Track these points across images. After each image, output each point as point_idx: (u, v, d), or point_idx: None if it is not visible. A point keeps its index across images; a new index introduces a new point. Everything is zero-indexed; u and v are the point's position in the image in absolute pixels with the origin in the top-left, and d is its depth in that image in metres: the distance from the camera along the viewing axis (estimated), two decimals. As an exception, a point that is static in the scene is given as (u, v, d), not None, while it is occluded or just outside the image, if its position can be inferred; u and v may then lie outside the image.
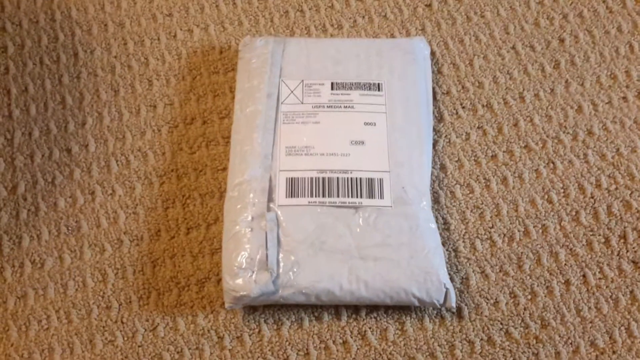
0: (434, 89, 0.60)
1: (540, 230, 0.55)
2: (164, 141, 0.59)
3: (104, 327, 0.52)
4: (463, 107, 0.60)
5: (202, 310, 0.53)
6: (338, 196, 0.53)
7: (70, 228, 0.56)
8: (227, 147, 0.58)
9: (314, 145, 0.55)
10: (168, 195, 0.57)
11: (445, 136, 0.58)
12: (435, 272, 0.50)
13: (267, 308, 0.53)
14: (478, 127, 0.59)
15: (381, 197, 0.53)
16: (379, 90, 0.58)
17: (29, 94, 0.61)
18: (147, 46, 0.63)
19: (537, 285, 0.53)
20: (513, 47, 0.62)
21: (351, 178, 0.53)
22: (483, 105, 0.60)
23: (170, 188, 0.57)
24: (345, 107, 0.57)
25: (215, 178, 0.57)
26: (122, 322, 0.52)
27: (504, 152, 0.58)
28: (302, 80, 0.58)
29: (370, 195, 0.53)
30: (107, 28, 0.64)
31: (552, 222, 0.55)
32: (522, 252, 0.54)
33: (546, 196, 0.56)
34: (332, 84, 0.58)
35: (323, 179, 0.53)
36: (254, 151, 0.55)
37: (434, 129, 0.58)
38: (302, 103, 0.57)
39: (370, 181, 0.53)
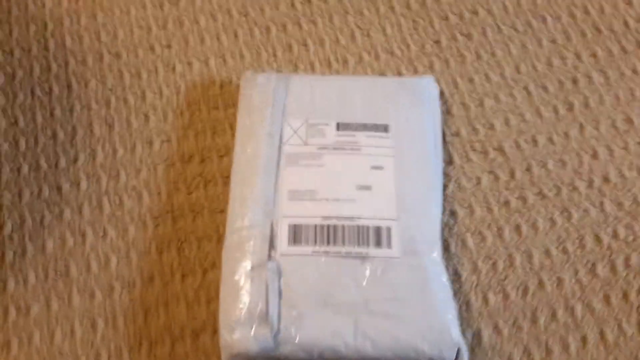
0: (443, 130, 0.58)
1: (555, 283, 0.52)
2: (160, 180, 0.56)
3: (91, 380, 0.49)
4: (473, 150, 0.57)
5: (197, 364, 0.50)
6: (344, 245, 0.50)
7: (58, 272, 0.53)
8: (226, 188, 0.55)
9: (318, 189, 0.52)
10: (163, 239, 0.54)
11: (455, 180, 0.56)
12: (448, 330, 0.47)
13: (266, 363, 0.50)
14: (489, 172, 0.56)
15: (389, 246, 0.50)
16: (385, 131, 0.55)
17: (19, 127, 0.58)
18: (144, 79, 0.61)
19: (552, 342, 0.50)
20: (525, 88, 0.60)
21: (358, 226, 0.51)
22: (494, 149, 0.57)
23: (165, 231, 0.54)
24: (351, 149, 0.54)
25: (213, 220, 0.55)
26: (111, 376, 0.49)
27: (516, 198, 0.55)
28: (307, 120, 0.55)
29: (378, 244, 0.50)
30: (103, 59, 0.62)
31: (567, 274, 0.52)
32: (536, 306, 0.51)
33: (561, 247, 0.53)
34: (337, 124, 0.55)
35: (328, 226, 0.51)
36: (255, 195, 0.52)
37: (443, 173, 0.56)
38: (306, 144, 0.54)
39: (378, 229, 0.50)
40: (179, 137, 0.58)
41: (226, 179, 0.56)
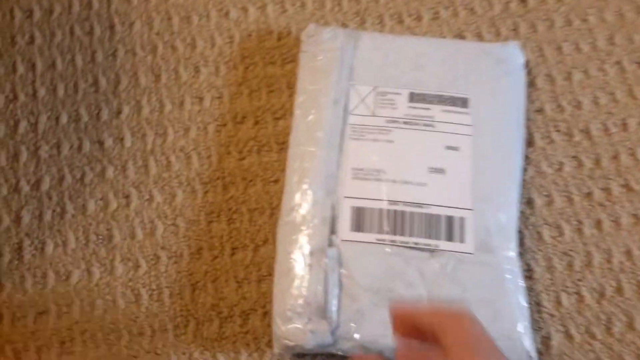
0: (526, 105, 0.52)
1: (635, 287, 0.48)
2: (210, 142, 0.51)
3: (135, 357, 0.46)
4: (557, 131, 0.52)
5: (246, 347, 0.47)
6: (411, 235, 0.46)
7: (100, 237, 0.49)
8: (281, 155, 0.51)
9: (385, 169, 0.47)
10: (212, 208, 0.50)
11: (535, 164, 0.51)
12: (520, 339, 0.43)
13: (319, 354, 0.47)
14: (573, 157, 0.51)
15: (461, 240, 0.46)
16: (464, 106, 0.49)
17: (57, 70, 0.53)
18: (195, 24, 0.55)
19: (627, 353, 0.46)
20: (618, 62, 0.54)
21: (428, 214, 0.46)
22: (580, 130, 0.52)
23: (215, 199, 0.50)
24: (424, 124, 0.49)
25: (266, 191, 0.50)
26: (156, 354, 0.47)
27: (600, 189, 0.50)
28: (376, 87, 0.50)
29: (449, 237, 0.46)
30: (149, -3, 0.56)
31: (649, 279, 0.48)
32: (612, 312, 0.47)
33: (645, 247, 0.49)
34: (410, 94, 0.50)
35: (395, 212, 0.46)
36: (315, 170, 0.47)
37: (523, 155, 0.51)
38: (374, 115, 0.49)
39: (450, 220, 0.46)
40: (232, 94, 0.53)
41: (282, 146, 0.51)
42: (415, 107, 0.49)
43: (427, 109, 0.49)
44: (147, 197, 0.50)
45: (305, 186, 0.47)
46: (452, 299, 0.44)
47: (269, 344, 0.47)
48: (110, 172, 0.51)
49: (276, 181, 0.50)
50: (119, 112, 0.52)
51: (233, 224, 0.50)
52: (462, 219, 0.46)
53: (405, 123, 0.49)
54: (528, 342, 0.44)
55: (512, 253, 0.46)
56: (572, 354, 0.46)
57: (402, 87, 0.50)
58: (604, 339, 0.47)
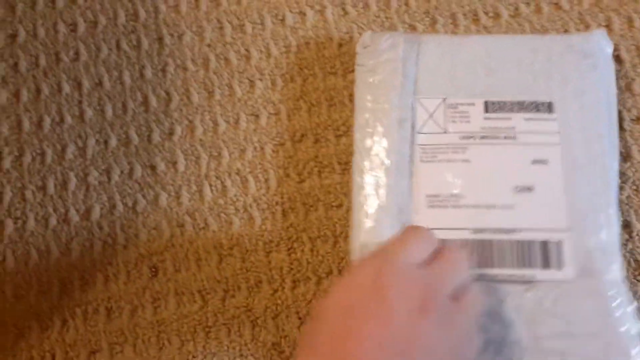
0: (619, 112, 0.46)
1: None
2: (268, 163, 0.47)
3: (192, 400, 0.43)
4: (660, 143, 0.45)
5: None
6: (502, 267, 0.40)
7: (153, 269, 0.46)
8: (344, 177, 0.46)
9: (464, 192, 0.42)
10: (271, 236, 0.46)
11: (633, 182, 0.44)
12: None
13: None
14: (679, 174, 0.44)
15: (559, 267, 0.40)
16: (550, 111, 0.43)
17: (104, 89, 0.50)
18: (249, 33, 0.50)
19: None
20: None
21: (520, 241, 0.41)
22: (687, 142, 0.45)
23: (274, 226, 0.46)
24: (505, 137, 0.43)
25: (329, 217, 0.46)
26: (214, 398, 0.43)
27: None
28: (445, 98, 0.45)
29: (546, 264, 0.40)
30: (199, 5, 0.51)
31: None
32: None
33: None
34: (485, 103, 0.44)
35: (481, 241, 0.41)
36: (385, 204, 0.42)
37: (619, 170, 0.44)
38: (446, 132, 0.44)
39: (545, 245, 0.40)
40: (289, 110, 0.48)
41: (345, 166, 0.46)
42: (492, 118, 0.44)
43: (507, 118, 0.43)
44: (202, 225, 0.47)
45: (374, 224, 0.42)
46: (555, 333, 0.39)
47: (336, 387, 0.43)
48: (163, 200, 0.47)
49: (339, 206, 0.46)
50: (171, 134, 0.49)
51: (294, 254, 0.45)
52: (559, 243, 0.40)
53: (482, 138, 0.43)
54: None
55: (616, 273, 0.40)
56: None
57: (475, 96, 0.44)
58: None
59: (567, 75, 0.44)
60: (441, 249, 0.37)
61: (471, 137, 0.43)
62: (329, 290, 0.35)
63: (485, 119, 0.44)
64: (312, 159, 0.47)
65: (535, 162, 0.43)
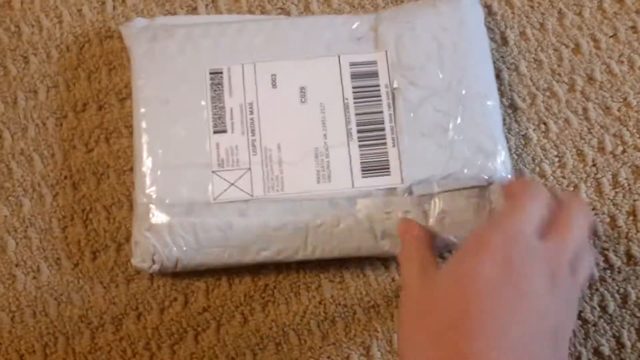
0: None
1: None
2: (52, 138, 0.46)
3: (4, 387, 0.43)
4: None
5: (122, 355, 0.43)
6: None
7: (-53, 265, 0.45)
8: (132, 140, 0.46)
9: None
10: (65, 211, 0.45)
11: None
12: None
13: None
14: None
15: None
16: None
17: None
18: (17, 9, 0.49)
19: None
20: None
21: None
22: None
23: (67, 201, 0.45)
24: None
25: (121, 182, 0.46)
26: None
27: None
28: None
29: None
30: (-37, -15, 0.49)
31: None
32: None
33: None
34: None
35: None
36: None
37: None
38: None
39: None
40: (68, 81, 0.47)
41: (132, 129, 0.46)
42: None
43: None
44: (-8, 212, 0.45)
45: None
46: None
47: (147, 346, 0.43)
48: (-52, 192, 0.46)
49: (131, 169, 0.45)
50: (-53, 123, 0.47)
51: (90, 224, 0.45)
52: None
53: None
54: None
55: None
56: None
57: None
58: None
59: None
60: (558, 207, 0.36)
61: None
62: (452, 275, 0.34)
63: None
64: (97, 127, 0.46)
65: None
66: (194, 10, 0.48)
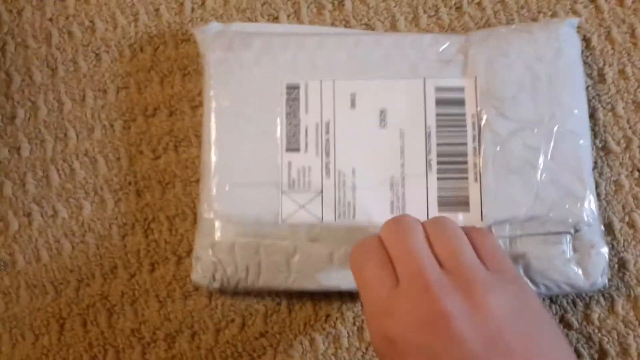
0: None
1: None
2: (118, 141, 0.45)
3: (49, 398, 0.41)
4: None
5: (173, 377, 0.41)
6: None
7: (2, 265, 0.43)
8: (200, 150, 0.44)
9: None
10: (125, 219, 0.43)
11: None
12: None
13: None
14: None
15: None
16: None
17: (-59, 73, 0.46)
18: (93, 3, 0.47)
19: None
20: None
21: None
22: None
23: (129, 208, 0.43)
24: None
25: (187, 194, 0.43)
26: (72, 394, 0.41)
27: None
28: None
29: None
30: (38, -24, 0.48)
31: None
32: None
33: None
34: None
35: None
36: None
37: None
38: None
39: None
40: (140, 83, 0.45)
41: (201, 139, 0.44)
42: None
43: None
44: (50, 213, 0.44)
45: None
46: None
47: (200, 370, 0.41)
48: (8, 189, 0.44)
49: (198, 181, 0.43)
50: (13, 117, 0.45)
51: (151, 235, 0.43)
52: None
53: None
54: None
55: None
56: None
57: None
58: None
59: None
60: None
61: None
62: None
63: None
64: (166, 134, 0.45)
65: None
66: (275, 19, 0.46)
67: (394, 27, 0.46)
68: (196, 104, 0.45)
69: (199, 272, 0.40)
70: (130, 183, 0.44)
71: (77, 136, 0.45)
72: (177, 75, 0.45)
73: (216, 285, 0.40)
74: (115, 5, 0.47)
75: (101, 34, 0.46)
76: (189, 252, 0.43)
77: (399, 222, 0.35)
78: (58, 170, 0.44)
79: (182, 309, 0.42)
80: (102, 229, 0.43)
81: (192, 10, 0.47)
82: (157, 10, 0.47)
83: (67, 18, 0.47)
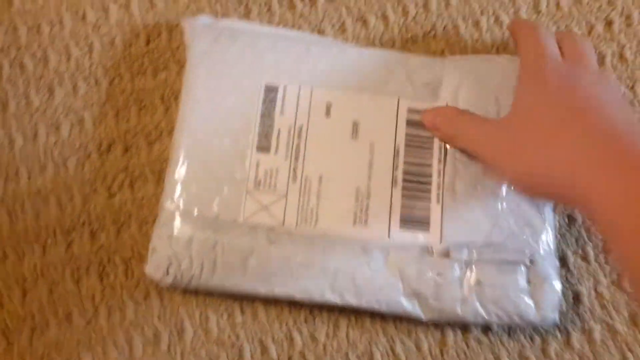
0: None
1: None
2: (71, 180, 0.42)
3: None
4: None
5: None
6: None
7: (-52, 312, 0.41)
8: (159, 188, 0.42)
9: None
10: (79, 262, 0.41)
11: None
12: None
13: None
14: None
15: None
16: None
17: None
18: (46, 34, 0.45)
19: None
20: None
21: None
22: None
23: (82, 250, 0.41)
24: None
25: (143, 234, 0.41)
26: None
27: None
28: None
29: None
30: (-10, 6, 0.46)
31: None
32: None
33: None
34: None
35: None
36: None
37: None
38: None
39: None
40: (94, 117, 0.44)
41: (160, 175, 0.42)
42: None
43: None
44: (0, 256, 0.42)
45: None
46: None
47: None
48: (-44, 230, 0.42)
49: (155, 221, 0.41)
50: (-40, 156, 0.43)
51: (106, 279, 0.41)
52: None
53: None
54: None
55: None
56: None
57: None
58: None
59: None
60: (561, 40, 0.40)
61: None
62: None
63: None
64: (122, 171, 0.43)
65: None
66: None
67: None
68: (152, 139, 0.43)
69: (154, 265, 0.39)
70: (84, 223, 0.42)
71: (29, 176, 0.43)
72: (132, 109, 0.44)
73: (169, 280, 0.39)
74: (69, 36, 0.45)
75: (54, 65, 0.44)
76: (146, 297, 0.41)
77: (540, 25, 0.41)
78: (9, 212, 0.42)
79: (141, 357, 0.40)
80: (55, 273, 0.41)
81: (147, 43, 0.45)
82: (112, 41, 0.45)
83: (18, 49, 0.45)
